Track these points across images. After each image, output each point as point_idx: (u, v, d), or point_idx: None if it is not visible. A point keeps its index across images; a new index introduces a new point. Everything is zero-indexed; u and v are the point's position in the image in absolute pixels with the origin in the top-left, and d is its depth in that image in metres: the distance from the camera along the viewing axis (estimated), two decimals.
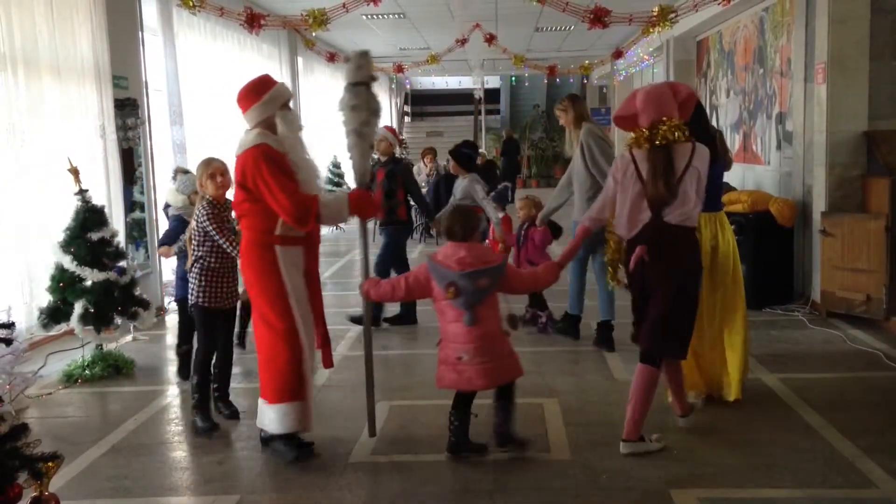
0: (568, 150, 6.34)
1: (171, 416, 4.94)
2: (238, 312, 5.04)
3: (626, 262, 4.14)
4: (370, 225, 5.38)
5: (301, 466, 4.04)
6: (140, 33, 7.86)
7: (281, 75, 12.75)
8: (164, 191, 7.26)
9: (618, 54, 16.37)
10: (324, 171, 15.01)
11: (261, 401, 4.11)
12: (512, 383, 4.06)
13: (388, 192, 6.95)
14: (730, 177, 7.64)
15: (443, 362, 3.99)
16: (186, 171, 5.43)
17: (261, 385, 4.11)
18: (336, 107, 4.13)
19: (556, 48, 17.76)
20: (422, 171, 13.00)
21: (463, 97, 28.17)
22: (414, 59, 18.22)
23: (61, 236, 5.65)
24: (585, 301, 6.33)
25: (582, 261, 6.14)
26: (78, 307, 5.54)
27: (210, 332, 4.61)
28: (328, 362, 4.28)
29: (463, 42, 14.52)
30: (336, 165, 15.80)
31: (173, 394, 5.32)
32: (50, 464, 3.17)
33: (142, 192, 7.69)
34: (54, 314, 5.58)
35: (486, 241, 6.83)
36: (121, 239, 6.41)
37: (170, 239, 5.46)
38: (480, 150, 16.77)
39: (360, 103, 4.04)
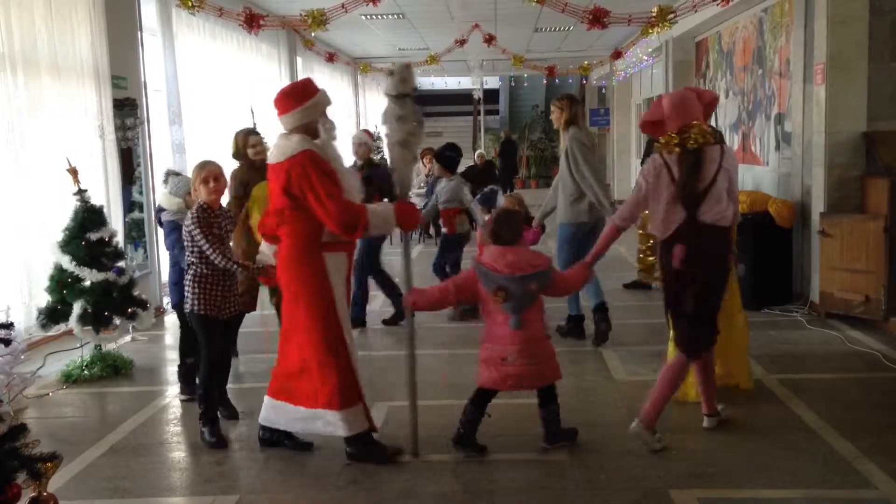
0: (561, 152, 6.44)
1: (169, 416, 4.94)
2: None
3: (662, 261, 4.26)
4: None
5: (300, 467, 4.05)
6: (139, 33, 7.86)
7: (280, 75, 12.75)
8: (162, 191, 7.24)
9: (617, 55, 16.36)
10: None
11: (291, 407, 4.06)
12: (553, 385, 4.14)
13: (365, 199, 6.94)
14: None
15: (485, 362, 4.04)
16: (178, 174, 5.38)
17: (296, 391, 4.04)
18: (380, 119, 4.12)
19: (556, 49, 17.76)
20: (420, 172, 13.00)
21: (462, 98, 28.13)
22: (413, 60, 18.20)
23: (60, 236, 5.65)
24: (582, 300, 6.39)
25: (576, 261, 6.18)
26: (77, 307, 5.53)
27: (212, 339, 4.43)
28: None
29: (462, 42, 14.52)
30: None
31: (172, 394, 5.31)
32: (48, 464, 3.16)
33: (140, 193, 7.69)
34: (53, 314, 5.58)
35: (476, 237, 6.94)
36: (119, 239, 6.40)
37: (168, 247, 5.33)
38: (479, 151, 16.82)
39: (407, 114, 4.05)
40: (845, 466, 3.86)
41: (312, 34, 12.12)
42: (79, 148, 6.56)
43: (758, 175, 9.14)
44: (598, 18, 9.91)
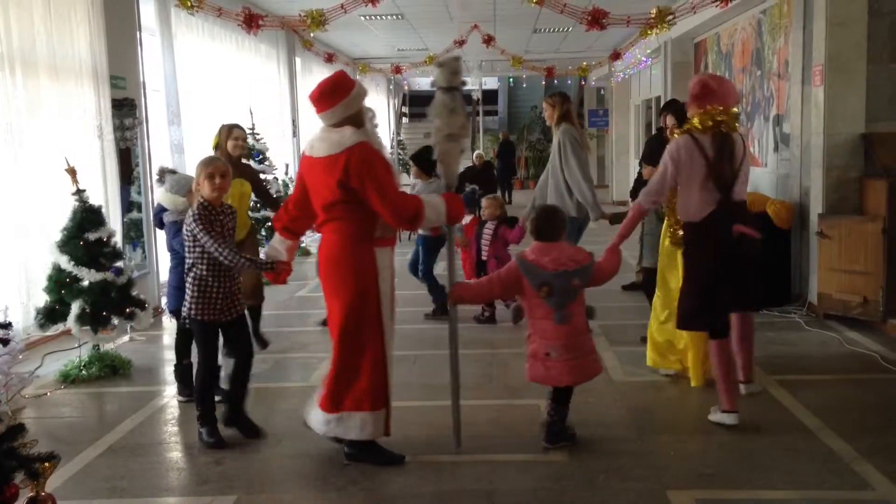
0: None
1: (167, 416, 4.93)
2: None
3: (698, 244, 4.43)
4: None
5: (299, 467, 4.04)
6: (138, 33, 7.86)
7: (279, 76, 12.76)
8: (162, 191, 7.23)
9: (616, 56, 16.39)
10: None
11: (344, 413, 3.92)
12: (570, 388, 4.17)
13: None
14: None
15: (532, 356, 4.10)
16: (174, 171, 5.35)
17: (345, 393, 3.91)
18: (430, 111, 4.06)
19: (555, 49, 17.77)
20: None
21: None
22: (412, 60, 18.21)
23: (58, 236, 5.64)
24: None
25: None
26: (75, 307, 5.53)
27: (209, 346, 4.31)
28: None
29: (461, 43, 14.52)
30: None
31: (170, 394, 5.30)
32: (46, 464, 3.16)
33: (139, 193, 7.68)
34: (51, 314, 5.57)
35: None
36: (118, 239, 6.40)
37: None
38: (478, 152, 16.81)
39: (458, 107, 4.01)
40: (843, 467, 3.87)
41: (311, 34, 12.12)
42: (77, 148, 6.56)
43: (756, 176, 9.11)
44: (596, 19, 9.92)
